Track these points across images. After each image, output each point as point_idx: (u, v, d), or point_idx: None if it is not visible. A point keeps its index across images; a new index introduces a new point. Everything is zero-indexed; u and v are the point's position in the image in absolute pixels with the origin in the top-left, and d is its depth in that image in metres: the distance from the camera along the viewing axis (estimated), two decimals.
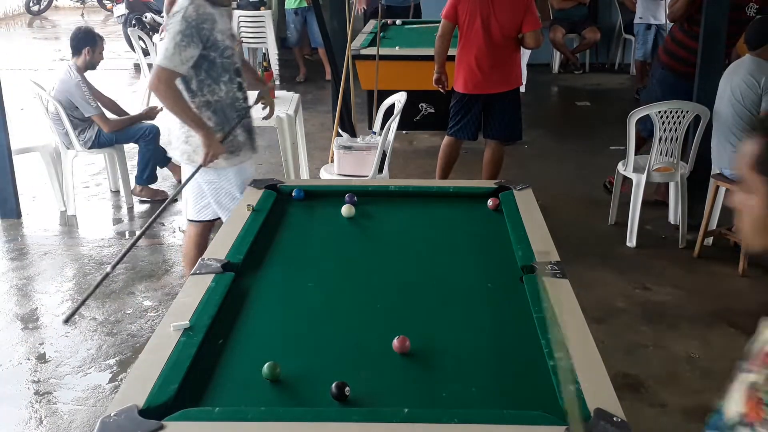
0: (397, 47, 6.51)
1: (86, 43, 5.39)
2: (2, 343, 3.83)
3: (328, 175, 4.76)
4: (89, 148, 5.45)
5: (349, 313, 2.37)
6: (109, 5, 14.51)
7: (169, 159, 5.78)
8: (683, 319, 3.99)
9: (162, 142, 5.57)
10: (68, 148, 5.40)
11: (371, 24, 7.55)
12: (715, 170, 4.62)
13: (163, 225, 5.35)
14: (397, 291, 2.49)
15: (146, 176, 5.63)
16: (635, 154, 4.81)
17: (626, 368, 3.49)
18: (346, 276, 2.66)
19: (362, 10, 8.45)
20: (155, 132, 5.56)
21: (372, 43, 6.47)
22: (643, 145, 5.06)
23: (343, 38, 5.92)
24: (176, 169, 5.70)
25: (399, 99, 4.88)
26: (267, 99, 3.95)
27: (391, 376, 2.01)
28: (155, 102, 6.82)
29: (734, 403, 1.19)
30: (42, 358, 3.71)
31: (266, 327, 2.28)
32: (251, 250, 2.68)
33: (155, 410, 1.76)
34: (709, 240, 4.79)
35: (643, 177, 4.76)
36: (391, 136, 4.72)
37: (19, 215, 5.42)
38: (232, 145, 3.48)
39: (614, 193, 5.13)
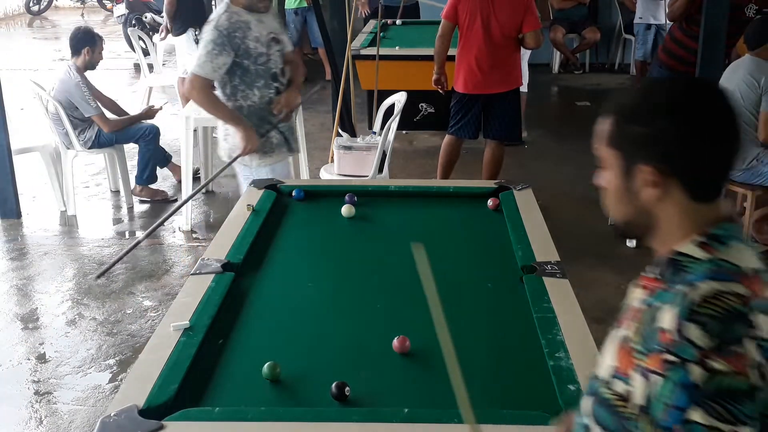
0: (397, 47, 6.51)
1: (85, 43, 5.38)
2: (2, 343, 3.84)
3: (328, 175, 4.76)
4: (89, 148, 5.45)
5: (349, 313, 2.37)
6: (109, 5, 14.51)
7: (169, 159, 5.79)
8: None
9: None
10: (68, 148, 5.40)
11: (371, 24, 7.55)
12: None
13: (163, 225, 5.35)
14: (397, 291, 2.49)
15: (146, 176, 5.63)
16: None
17: None
18: (346, 276, 2.66)
19: (366, 13, 8.44)
20: (155, 132, 5.56)
21: (372, 43, 6.47)
22: None
23: (343, 38, 5.92)
24: (176, 169, 5.71)
25: (399, 99, 4.88)
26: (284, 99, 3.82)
27: (391, 376, 2.01)
28: (154, 101, 6.84)
29: (607, 361, 1.27)
30: (42, 358, 3.71)
31: (266, 327, 2.28)
32: (251, 250, 2.68)
33: (155, 410, 1.76)
34: None
35: None
36: (391, 136, 4.72)
37: (19, 215, 5.42)
38: (265, 146, 3.59)
39: None
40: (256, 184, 3.33)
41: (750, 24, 4.62)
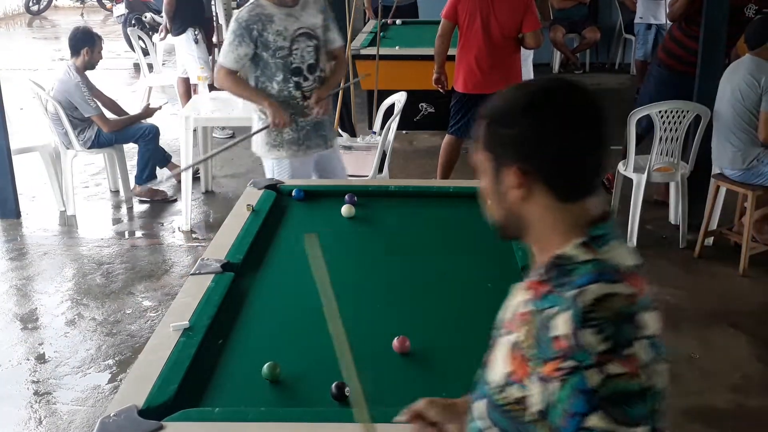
0: (397, 47, 6.51)
1: (84, 44, 5.38)
2: (2, 344, 3.83)
3: None
4: (89, 148, 5.45)
5: (349, 313, 2.36)
6: (108, 5, 14.51)
7: (169, 159, 5.78)
8: (683, 319, 3.98)
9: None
10: (68, 148, 5.40)
11: (371, 24, 7.55)
12: (715, 170, 4.62)
13: (162, 225, 5.35)
14: (397, 291, 2.49)
15: (146, 176, 5.62)
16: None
17: None
18: (346, 276, 2.65)
19: (372, 17, 8.42)
20: (155, 132, 5.55)
21: (372, 42, 6.47)
22: (640, 142, 5.05)
23: (343, 38, 5.90)
24: (176, 169, 5.70)
25: (399, 99, 4.88)
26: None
27: (391, 376, 2.00)
28: (154, 101, 6.83)
29: (499, 366, 1.25)
30: (41, 359, 3.71)
31: (266, 327, 2.27)
32: (251, 250, 2.68)
33: (155, 410, 1.76)
34: (710, 240, 4.78)
35: (644, 177, 4.75)
36: (391, 136, 4.72)
37: (18, 215, 5.41)
38: (276, 140, 3.67)
39: (614, 193, 5.13)
40: (255, 184, 3.33)
41: (750, 24, 4.62)
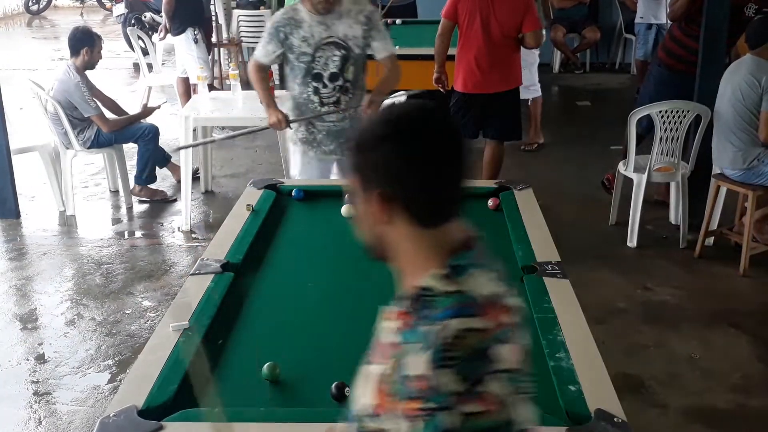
0: (396, 47, 6.48)
1: (84, 44, 5.37)
2: (1, 344, 3.83)
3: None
4: (88, 148, 5.44)
5: (349, 313, 2.36)
6: (108, 4, 14.52)
7: (169, 159, 5.78)
8: (684, 320, 3.98)
9: None
10: (67, 148, 5.39)
11: None
12: (715, 170, 4.62)
13: (162, 225, 5.35)
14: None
15: (145, 176, 5.62)
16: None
17: (627, 368, 3.48)
18: (346, 276, 2.65)
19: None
20: (154, 132, 5.55)
21: None
22: (640, 142, 5.05)
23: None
24: (176, 169, 5.69)
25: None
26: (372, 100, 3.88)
27: None
28: (153, 101, 6.83)
29: (364, 396, 1.25)
30: (41, 359, 3.70)
31: (266, 327, 2.27)
32: (251, 250, 2.68)
33: (154, 411, 1.76)
34: (710, 240, 4.78)
35: (644, 177, 4.75)
36: None
37: (18, 215, 5.41)
38: (292, 137, 3.94)
39: (615, 193, 5.13)
40: (255, 183, 3.33)
41: (750, 23, 4.61)
